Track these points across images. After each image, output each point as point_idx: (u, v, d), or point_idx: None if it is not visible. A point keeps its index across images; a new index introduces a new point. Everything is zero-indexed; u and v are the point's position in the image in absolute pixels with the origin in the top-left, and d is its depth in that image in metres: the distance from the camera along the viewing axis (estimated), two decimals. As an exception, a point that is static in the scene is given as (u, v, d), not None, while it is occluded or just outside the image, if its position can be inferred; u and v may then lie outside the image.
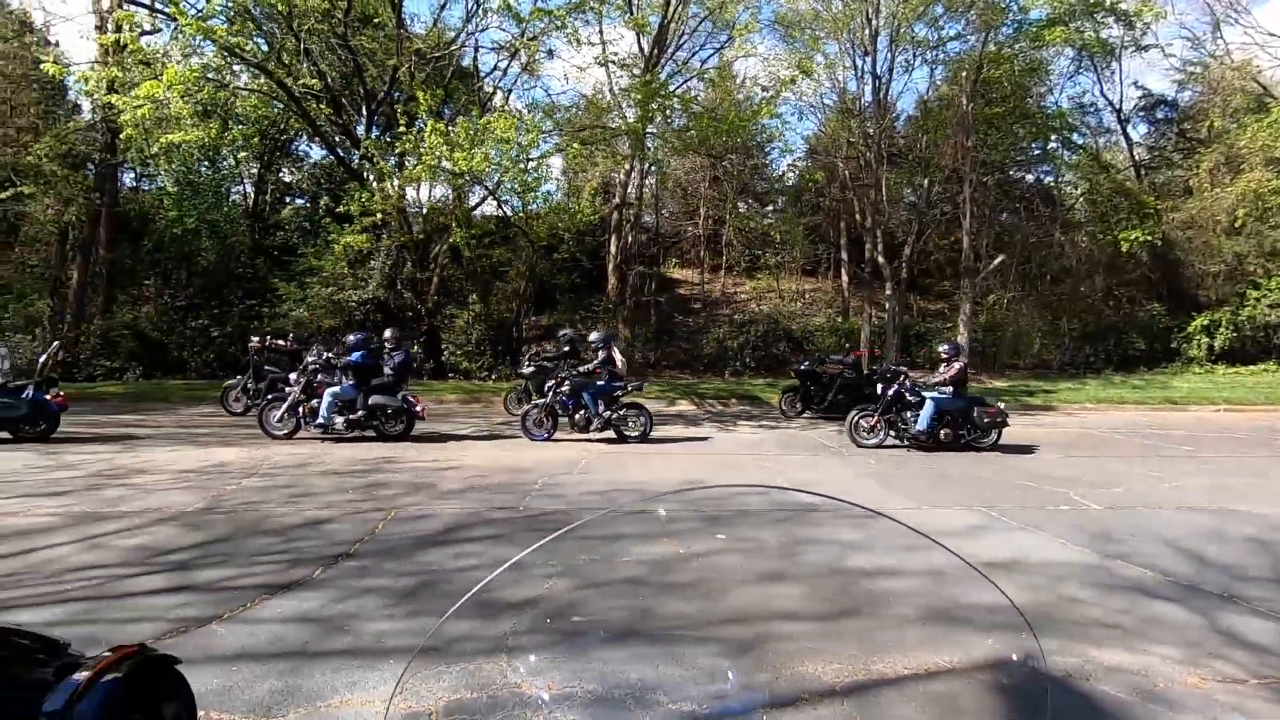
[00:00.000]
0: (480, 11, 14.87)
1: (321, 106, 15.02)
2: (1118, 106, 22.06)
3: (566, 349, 11.25)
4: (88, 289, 19.41)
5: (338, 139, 16.85)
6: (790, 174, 26.90)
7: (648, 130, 16.58)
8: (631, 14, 16.95)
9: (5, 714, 1.44)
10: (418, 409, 9.23)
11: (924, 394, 9.15)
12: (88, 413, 11.83)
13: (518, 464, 7.74)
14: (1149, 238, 18.16)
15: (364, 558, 4.43)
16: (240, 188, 24.13)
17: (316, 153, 23.43)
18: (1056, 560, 4.62)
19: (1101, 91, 22.15)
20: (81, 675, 1.47)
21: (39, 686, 1.47)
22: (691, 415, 12.85)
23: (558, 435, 9.54)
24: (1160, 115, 23.34)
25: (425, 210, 18.24)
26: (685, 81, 19.83)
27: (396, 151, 13.78)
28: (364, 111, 16.73)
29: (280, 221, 23.19)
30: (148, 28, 15.19)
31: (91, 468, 7.14)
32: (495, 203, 18.30)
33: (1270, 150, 18.50)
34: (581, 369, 9.67)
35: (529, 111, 17.17)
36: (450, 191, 16.88)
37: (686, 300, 25.94)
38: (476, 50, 18.76)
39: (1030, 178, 25.02)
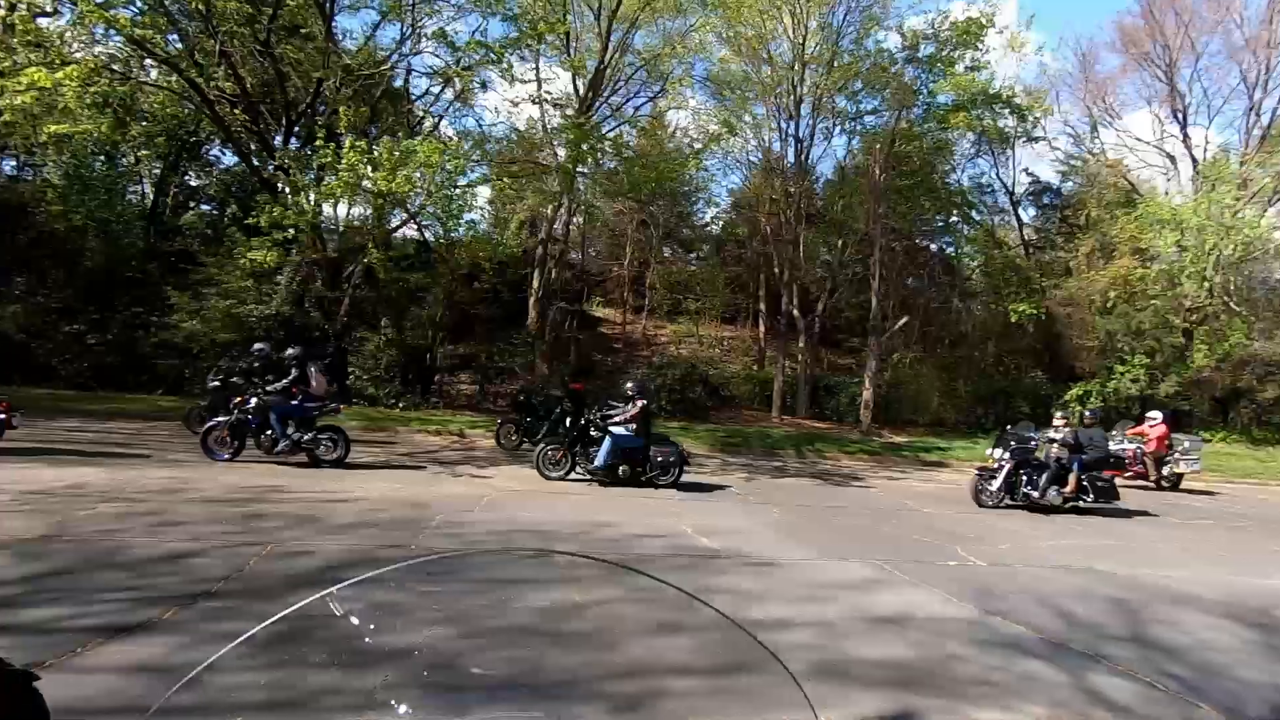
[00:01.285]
0: (415, 35, 14.73)
1: (237, 112, 14.33)
2: (1010, 189, 24.20)
3: (257, 365, 10.13)
4: (-57, 282, 17.47)
5: (252, 147, 16.09)
6: (715, 224, 27.77)
7: (578, 170, 16.74)
8: (569, 55, 17.24)
9: None
10: None
11: (607, 429, 9.30)
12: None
13: (417, 499, 7.37)
14: (1034, 311, 19.75)
15: (227, 597, 4.03)
16: (139, 188, 22.60)
17: (229, 159, 22.32)
18: (942, 616, 4.75)
19: (998, 174, 24.25)
20: None
21: None
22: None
23: (247, 456, 8.98)
24: (1046, 200, 25.73)
25: (342, 228, 17.58)
26: (618, 126, 20.24)
27: (314, 165, 13.26)
28: (283, 121, 16.08)
29: (181, 226, 21.79)
30: (47, 8, 14.16)
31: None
32: (416, 227, 17.87)
33: (1136, 241, 20.65)
34: (271, 387, 9.02)
35: (459, 139, 17.00)
36: (370, 211, 16.37)
37: (608, 339, 26.01)
38: (409, 73, 18.55)
39: (934, 247, 26.87)
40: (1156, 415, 13.98)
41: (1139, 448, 13.78)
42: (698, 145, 19.52)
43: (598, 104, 18.90)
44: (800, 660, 3.76)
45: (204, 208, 23.22)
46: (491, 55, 13.24)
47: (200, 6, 11.55)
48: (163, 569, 4.47)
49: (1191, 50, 22.44)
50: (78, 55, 11.98)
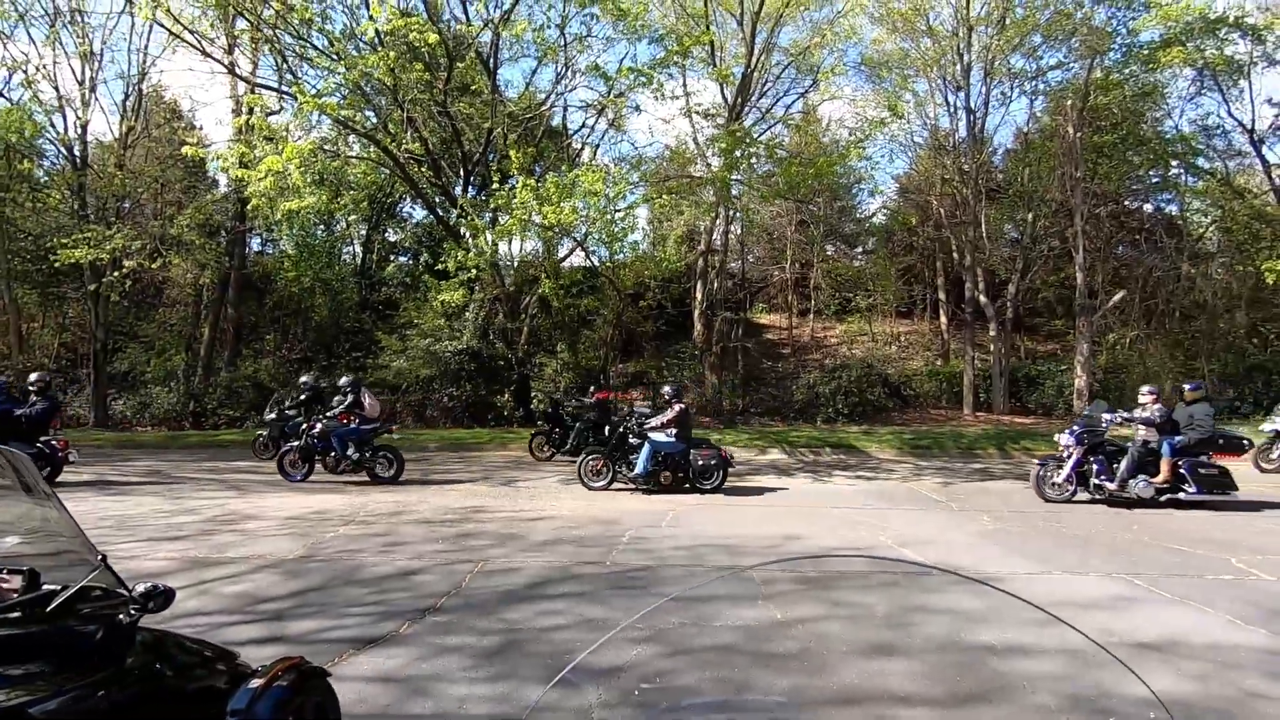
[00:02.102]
0: (569, 73, 15.53)
1: (423, 170, 15.99)
2: (1250, 127, 20.18)
3: (305, 396, 11.53)
4: (216, 344, 21.20)
5: (437, 199, 17.86)
6: (880, 215, 26.20)
7: (733, 178, 16.61)
8: (715, 66, 17.22)
9: (195, 708, 1.81)
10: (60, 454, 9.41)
11: (646, 436, 9.03)
12: (207, 459, 12.69)
13: (606, 515, 7.58)
14: (1299, 267, 16.28)
15: (450, 612, 4.35)
16: (350, 248, 26.00)
17: (419, 213, 24.95)
18: (1226, 643, 3.94)
19: (1229, 112, 20.34)
20: (257, 681, 1.82)
21: (220, 687, 1.85)
22: (784, 465, 12.35)
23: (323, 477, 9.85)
24: (1303, 132, 21.16)
25: (516, 263, 18.91)
26: (770, 128, 19.85)
27: (490, 208, 14.39)
28: (461, 173, 17.68)
29: (385, 278, 24.69)
30: (274, 107, 16.82)
31: (210, 513, 7.55)
32: (583, 253, 18.75)
33: None
34: (328, 413, 10.04)
35: (617, 166, 17.62)
36: (540, 244, 17.44)
37: (774, 345, 25.43)
38: (565, 110, 19.59)
39: (1149, 207, 23.23)
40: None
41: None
42: (856, 135, 18.53)
43: (747, 109, 18.68)
44: (1050, 694, 3.28)
45: (402, 259, 26.15)
46: (642, 78, 13.58)
47: (389, 81, 13.03)
48: (395, 585, 4.94)
49: None
50: (299, 141, 14.08)
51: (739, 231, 24.61)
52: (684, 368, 21.52)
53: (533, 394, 18.74)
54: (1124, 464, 8.17)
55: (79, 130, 18.90)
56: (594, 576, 5.20)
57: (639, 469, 8.97)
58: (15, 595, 1.65)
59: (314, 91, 12.55)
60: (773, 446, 14.61)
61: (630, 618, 3.63)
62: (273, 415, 12.26)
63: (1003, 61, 19.11)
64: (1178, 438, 8.25)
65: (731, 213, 20.33)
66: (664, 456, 9.04)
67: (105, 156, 20.60)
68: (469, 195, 16.79)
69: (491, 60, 16.25)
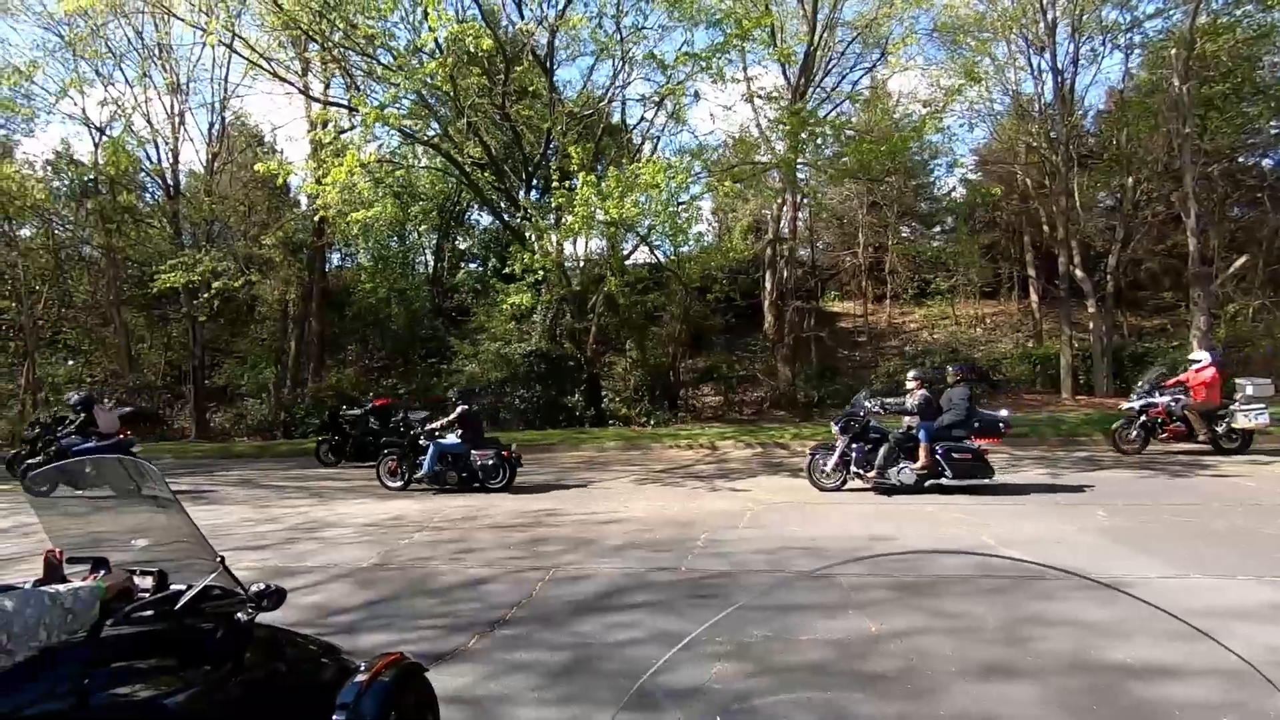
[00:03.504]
0: (626, 66, 15.29)
1: (486, 174, 16.13)
2: (1387, 64, 17.90)
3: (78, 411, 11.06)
4: (302, 357, 22.17)
5: (502, 204, 18.01)
6: (959, 190, 24.77)
7: (799, 161, 15.98)
8: (776, 46, 16.60)
9: (306, 701, 1.94)
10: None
11: (433, 439, 9.48)
12: (295, 467, 13.17)
13: (680, 516, 7.29)
14: None
15: (519, 624, 4.17)
16: (423, 258, 26.71)
17: (486, 219, 25.37)
18: None
19: (1363, 47, 18.08)
20: (362, 677, 1.95)
21: (328, 682, 1.97)
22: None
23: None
24: None
25: (582, 263, 18.86)
26: (836, 106, 19.02)
27: (553, 208, 14.34)
28: (524, 176, 17.77)
29: (456, 285, 25.23)
30: (345, 125, 17.38)
31: (291, 521, 7.72)
32: (648, 249, 18.50)
33: None
34: (61, 433, 10.46)
35: (677, 157, 17.29)
36: (604, 242, 17.31)
37: (849, 334, 24.49)
38: (624, 105, 19.39)
39: (1269, 162, 20.97)
40: (1203, 356, 11.15)
41: (1172, 400, 10.65)
42: (931, 107, 17.50)
43: (811, 89, 17.95)
44: (1212, 727, 2.77)
45: (472, 266, 26.68)
46: (701, 64, 13.20)
47: (448, 89, 13.16)
48: (465, 595, 4.81)
49: None
50: (366, 154, 14.44)
51: (807, 217, 23.79)
52: (755, 360, 20.97)
53: (604, 394, 18.68)
54: (881, 452, 8.21)
55: (170, 160, 20.12)
56: (668, 584, 4.92)
57: (424, 470, 9.41)
58: (147, 595, 1.77)
59: (377, 104, 12.77)
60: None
61: (699, 628, 3.35)
62: (33, 432, 11.63)
63: (1092, 15, 17.60)
64: (937, 423, 8.15)
65: (799, 198, 19.63)
66: (452, 458, 9.47)
67: (195, 184, 21.88)
68: (532, 198, 16.85)
69: (548, 60, 16.21)
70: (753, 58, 18.13)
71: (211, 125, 21.08)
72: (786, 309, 20.25)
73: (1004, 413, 9.18)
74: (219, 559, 1.90)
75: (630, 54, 14.75)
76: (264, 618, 2.04)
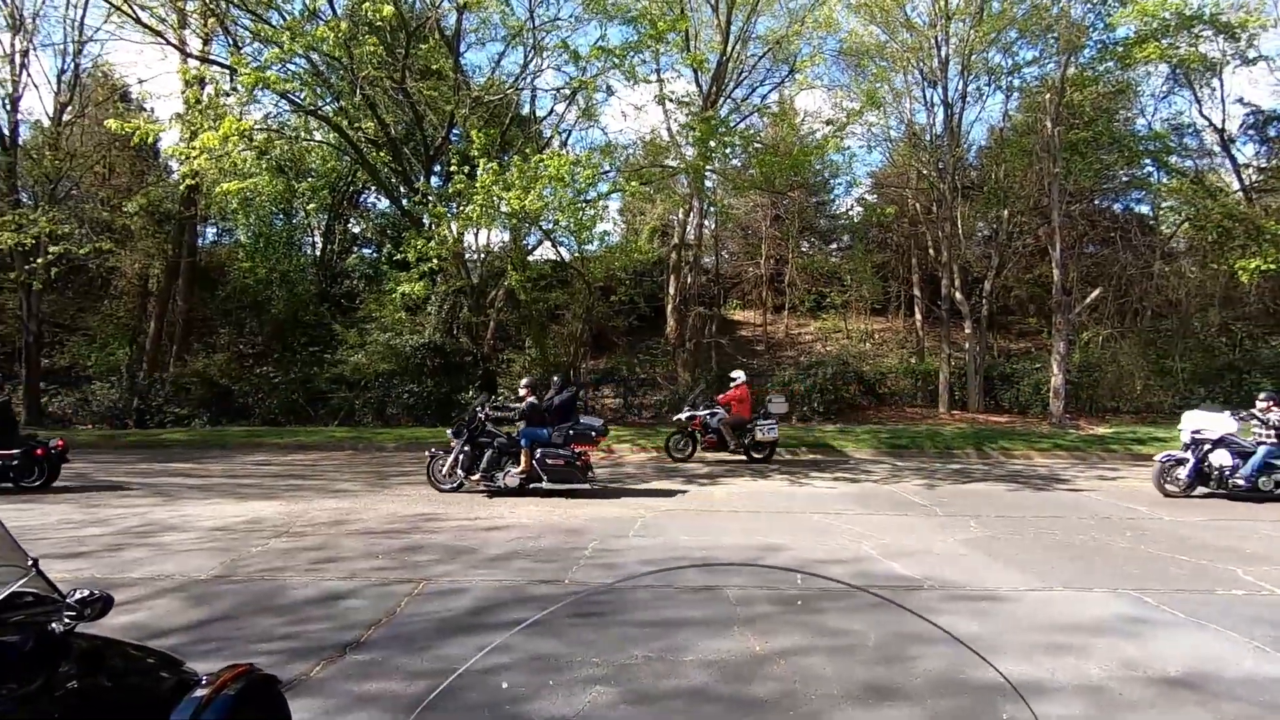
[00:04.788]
0: (537, 54, 14.81)
1: (381, 154, 15.14)
2: (1220, 126, 20.24)
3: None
4: (163, 339, 20.07)
5: (400, 189, 17.01)
6: (856, 209, 25.93)
7: (707, 169, 16.06)
8: (689, 51, 16.64)
9: (135, 716, 1.70)
10: None
11: None
12: (144, 460, 11.79)
13: (568, 523, 6.97)
14: (1271, 266, 16.21)
15: (376, 647, 3.71)
16: (310, 239, 24.91)
17: (383, 203, 24.00)
18: (1260, 675, 3.48)
19: (1201, 111, 20.37)
20: (203, 691, 1.73)
21: (163, 697, 1.74)
22: (759, 466, 11.84)
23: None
24: (1273, 133, 21.29)
25: (482, 255, 18.14)
26: (745, 118, 19.34)
27: (451, 193, 13.64)
28: (424, 160, 16.86)
29: (346, 270, 23.68)
30: (226, 88, 15.81)
31: (124, 524, 6.78)
32: (552, 245, 18.06)
33: None
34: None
35: (586, 154, 16.99)
36: (507, 235, 16.72)
37: (749, 342, 25.01)
38: (534, 96, 18.86)
39: (1119, 206, 23.28)
40: (738, 376, 12.59)
41: (709, 414, 12.03)
42: (834, 126, 18.11)
43: (722, 99, 18.14)
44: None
45: (364, 251, 25.13)
46: (614, 60, 12.94)
47: (344, 57, 12.21)
48: (317, 613, 4.28)
49: None
50: (248, 121, 13.13)
51: (713, 226, 24.12)
52: (656, 364, 20.95)
53: (499, 393, 18.04)
54: (486, 456, 8.56)
55: (8, 106, 17.63)
56: (549, 598, 4.59)
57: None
58: None
59: (258, 66, 11.63)
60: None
61: (519, 627, 3.05)
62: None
63: (980, 55, 18.84)
64: (543, 430, 8.64)
65: (706, 206, 19.83)
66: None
67: (40, 137, 19.33)
68: (432, 184, 15.99)
69: (455, 39, 15.48)
70: (666, 61, 18.15)
71: (63, 71, 18.69)
72: (689, 314, 20.38)
73: (598, 421, 9.48)
74: (31, 562, 1.76)
75: (542, 42, 14.31)
76: (94, 628, 1.85)
